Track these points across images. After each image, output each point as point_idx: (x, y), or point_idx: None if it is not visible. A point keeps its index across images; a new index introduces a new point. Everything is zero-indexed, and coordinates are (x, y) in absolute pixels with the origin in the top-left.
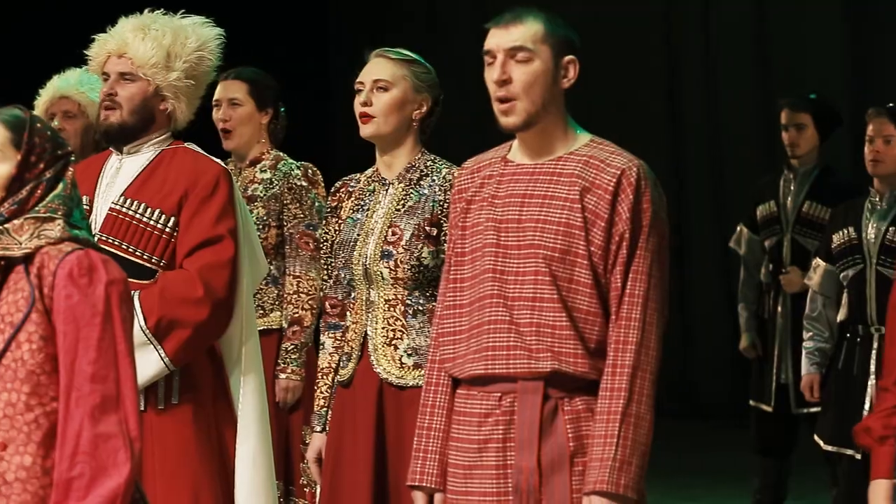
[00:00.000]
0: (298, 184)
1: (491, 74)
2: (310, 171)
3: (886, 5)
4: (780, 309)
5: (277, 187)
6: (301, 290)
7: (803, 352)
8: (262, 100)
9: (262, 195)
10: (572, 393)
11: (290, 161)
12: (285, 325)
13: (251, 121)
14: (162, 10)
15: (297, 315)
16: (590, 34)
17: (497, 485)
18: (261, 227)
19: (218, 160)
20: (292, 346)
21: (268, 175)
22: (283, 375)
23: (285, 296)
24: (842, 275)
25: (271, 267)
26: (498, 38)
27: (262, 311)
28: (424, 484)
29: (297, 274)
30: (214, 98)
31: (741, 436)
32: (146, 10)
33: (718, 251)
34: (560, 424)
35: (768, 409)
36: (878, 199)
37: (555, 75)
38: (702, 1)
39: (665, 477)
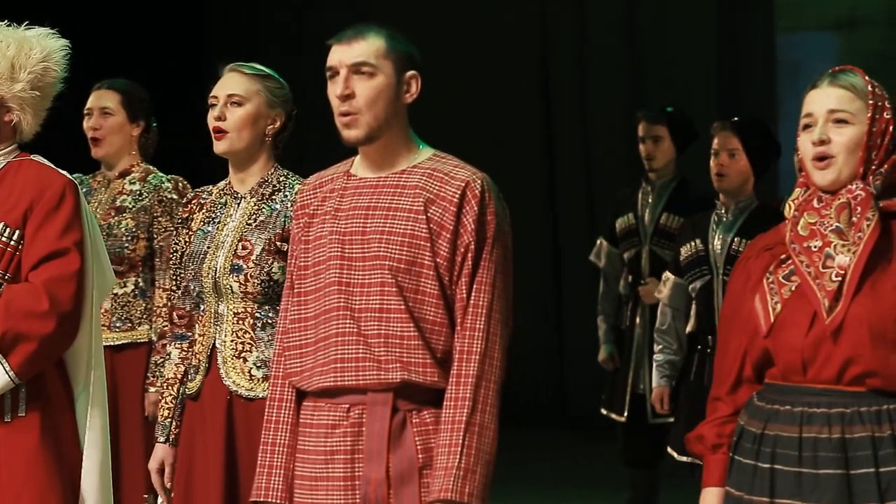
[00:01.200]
0: (168, 196)
1: (334, 90)
2: (180, 184)
3: (756, 20)
4: (638, 320)
5: (147, 199)
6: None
7: (654, 364)
8: (133, 111)
9: (130, 207)
10: (421, 404)
11: (160, 174)
12: (154, 338)
13: (122, 131)
14: (6, 22)
15: (166, 328)
16: (461, 45)
17: (345, 496)
18: (129, 238)
19: (64, 172)
20: (161, 360)
21: (137, 187)
22: (152, 389)
23: (154, 308)
24: (690, 287)
25: (139, 280)
26: (340, 54)
27: (130, 324)
28: (269, 499)
29: (167, 287)
30: (86, 107)
31: (614, 447)
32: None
33: (590, 262)
34: (409, 436)
35: (621, 418)
36: (723, 211)
37: (397, 90)
38: (576, 13)
39: (539, 488)
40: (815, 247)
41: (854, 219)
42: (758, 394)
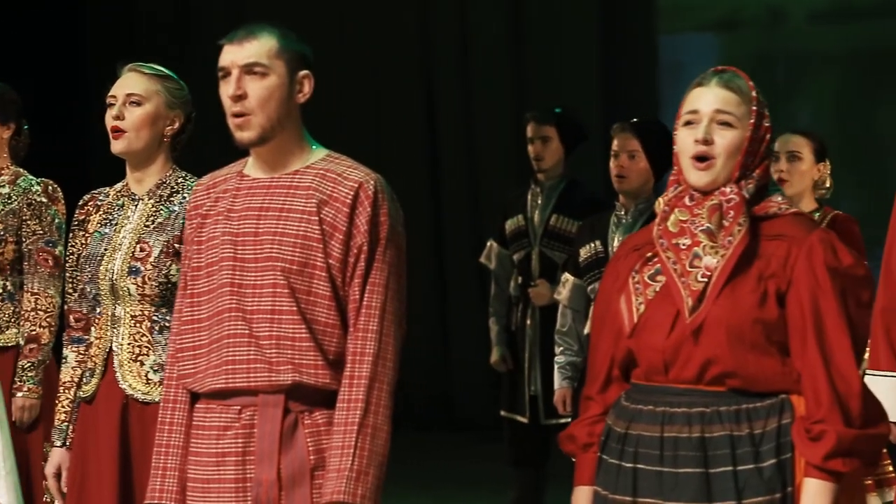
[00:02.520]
0: (38, 200)
1: (226, 90)
2: (50, 187)
3: (638, 22)
4: (528, 321)
5: (16, 203)
6: (39, 307)
7: (555, 366)
8: (3, 114)
9: None
10: (313, 406)
11: (30, 177)
12: (22, 343)
13: None
14: None
15: (34, 332)
16: (342, 48)
17: (236, 498)
18: None
19: None
20: (29, 364)
21: (6, 190)
22: (19, 394)
23: (23, 313)
24: (589, 288)
25: (7, 283)
26: (232, 55)
27: None
28: (163, 502)
29: (36, 291)
30: None
31: (498, 447)
32: None
33: (475, 265)
34: (300, 438)
35: (524, 420)
36: (623, 212)
37: (290, 90)
38: (458, 16)
39: (423, 488)
40: (683, 244)
41: (725, 222)
42: (625, 393)
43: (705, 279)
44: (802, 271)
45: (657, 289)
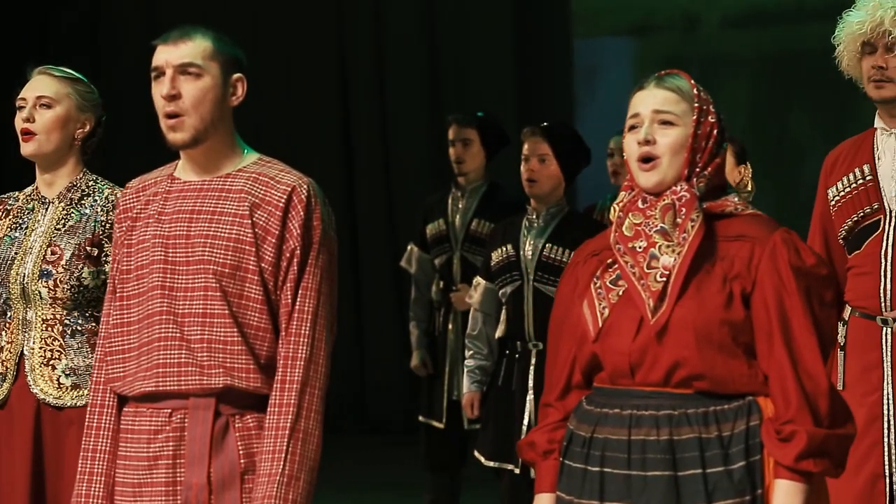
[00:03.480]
0: None
1: (160, 90)
2: None
3: (553, 27)
4: (450, 326)
5: None
6: None
7: (465, 370)
8: None
9: None
10: (244, 410)
11: None
12: None
13: None
14: None
15: None
16: (257, 51)
17: (166, 501)
18: None
19: None
20: None
21: None
22: None
23: None
24: (501, 292)
25: None
26: (167, 55)
27: None
28: None
29: None
30: None
31: (413, 451)
32: None
33: (391, 269)
34: (231, 441)
35: (440, 425)
36: (534, 216)
37: (224, 92)
38: (373, 20)
39: (340, 492)
40: (639, 247)
41: (678, 220)
42: (587, 398)
43: (664, 279)
44: (767, 272)
45: (620, 293)
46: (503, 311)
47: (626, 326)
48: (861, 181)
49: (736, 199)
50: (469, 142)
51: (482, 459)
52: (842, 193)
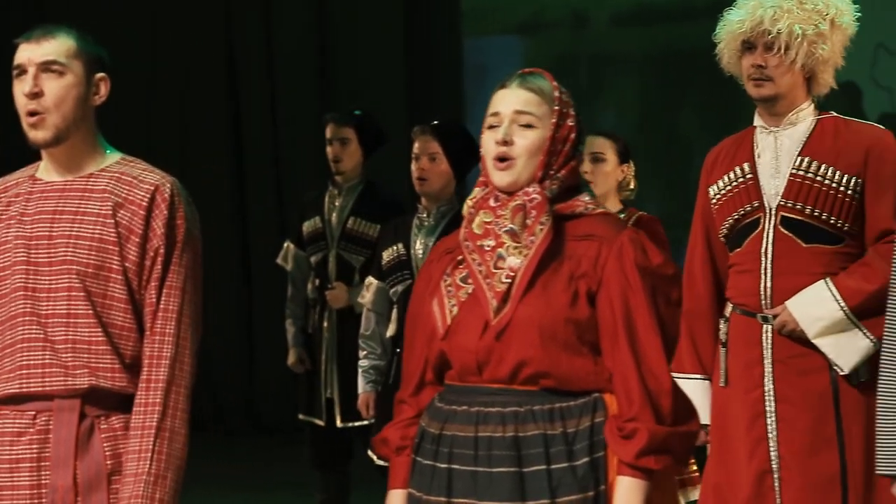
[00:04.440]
0: None
1: (22, 88)
2: None
3: (442, 25)
4: (325, 324)
5: None
6: None
7: (359, 370)
8: None
9: None
10: (110, 410)
11: None
12: None
13: None
14: None
15: None
16: (146, 50)
17: None
18: None
19: None
20: None
21: None
22: None
23: None
24: (392, 291)
25: None
26: (29, 52)
27: None
28: None
29: None
30: None
31: (303, 450)
32: None
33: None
34: (97, 442)
35: (320, 423)
36: (425, 215)
37: (86, 91)
38: (263, 19)
39: (235, 493)
40: (488, 246)
41: (528, 222)
42: (438, 395)
43: (509, 280)
44: (613, 271)
45: (469, 291)
46: (394, 311)
47: (474, 325)
48: (741, 179)
49: (587, 198)
50: (346, 140)
51: (374, 458)
52: (722, 191)
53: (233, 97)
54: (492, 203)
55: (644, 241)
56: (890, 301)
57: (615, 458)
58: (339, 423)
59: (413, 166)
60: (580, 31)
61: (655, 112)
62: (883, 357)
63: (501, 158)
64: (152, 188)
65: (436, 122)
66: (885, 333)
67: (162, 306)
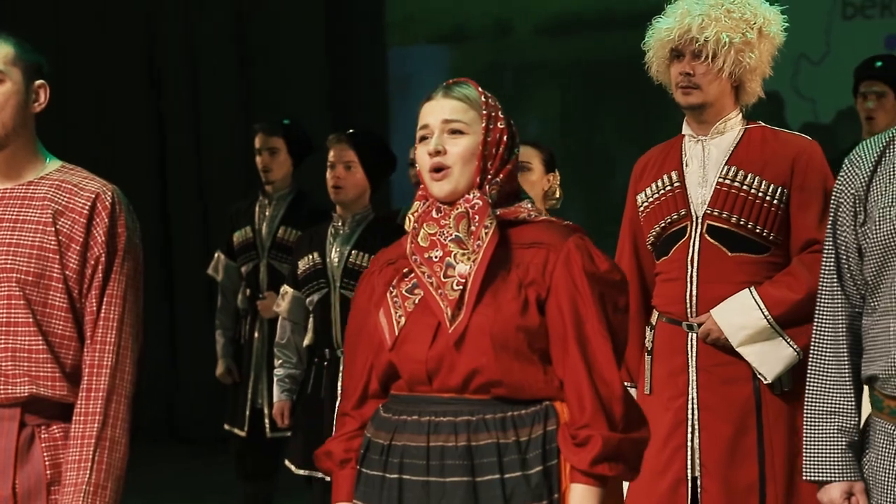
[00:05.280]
0: None
1: None
2: None
3: (367, 35)
4: (256, 334)
5: None
6: None
7: (275, 379)
8: None
9: None
10: (50, 419)
11: None
12: None
13: None
14: None
15: None
16: (69, 62)
17: None
18: None
19: None
20: None
21: None
22: None
23: None
24: (308, 300)
25: None
26: None
27: None
28: None
29: None
30: None
31: (227, 460)
32: None
33: (204, 278)
34: (37, 451)
35: (242, 433)
36: (340, 223)
37: (26, 98)
38: (184, 31)
39: (150, 502)
40: (435, 257)
41: (472, 227)
42: (384, 406)
43: (461, 287)
44: (561, 278)
45: (416, 301)
46: (311, 320)
47: (423, 334)
48: (669, 187)
49: (529, 205)
50: (276, 150)
51: (293, 468)
52: (650, 199)
53: (154, 107)
54: (434, 214)
55: (590, 248)
56: (817, 310)
57: (568, 466)
58: (268, 434)
59: (328, 175)
60: (504, 41)
61: (577, 121)
62: (810, 365)
63: (437, 169)
64: (93, 196)
65: (351, 131)
66: (812, 342)
67: (103, 315)
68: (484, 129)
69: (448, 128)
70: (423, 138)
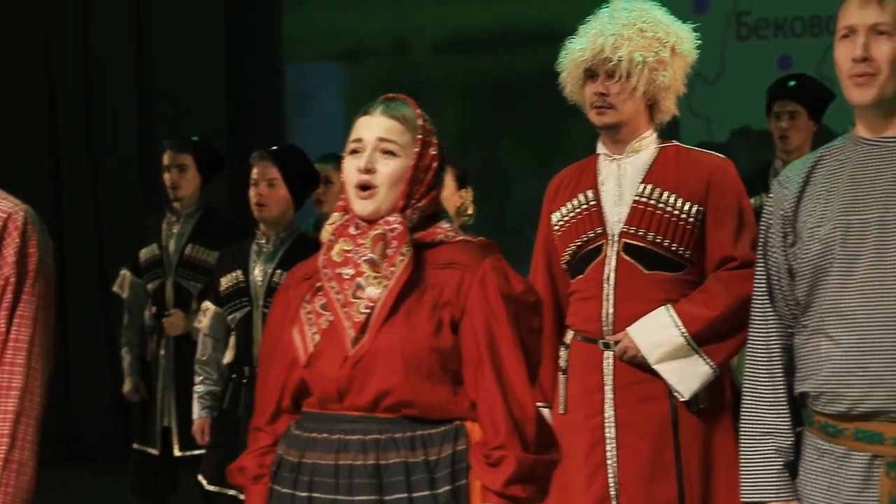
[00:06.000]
0: None
1: None
2: None
3: (264, 51)
4: (163, 352)
5: None
6: None
7: (195, 396)
8: None
9: None
10: None
11: None
12: None
13: None
14: None
15: None
16: None
17: None
18: None
19: None
20: None
21: None
22: None
23: None
24: (230, 317)
25: None
26: None
27: None
28: None
29: None
30: None
31: (123, 478)
32: None
33: (99, 295)
34: None
35: (155, 451)
36: (264, 241)
37: None
38: (81, 46)
39: None
40: (346, 274)
41: (389, 252)
42: (296, 422)
43: (368, 310)
44: (476, 299)
45: (330, 318)
46: (232, 337)
47: (335, 353)
48: (584, 206)
49: (447, 225)
50: (185, 167)
51: (204, 483)
52: (565, 218)
53: (51, 122)
54: (352, 231)
55: (506, 269)
56: (750, 331)
57: (478, 486)
58: (176, 452)
59: (251, 192)
60: (402, 58)
61: (475, 140)
62: (744, 386)
63: (363, 187)
64: (4, 216)
65: (275, 148)
66: (747, 363)
67: (13, 336)
68: (417, 154)
69: (381, 147)
70: (355, 151)
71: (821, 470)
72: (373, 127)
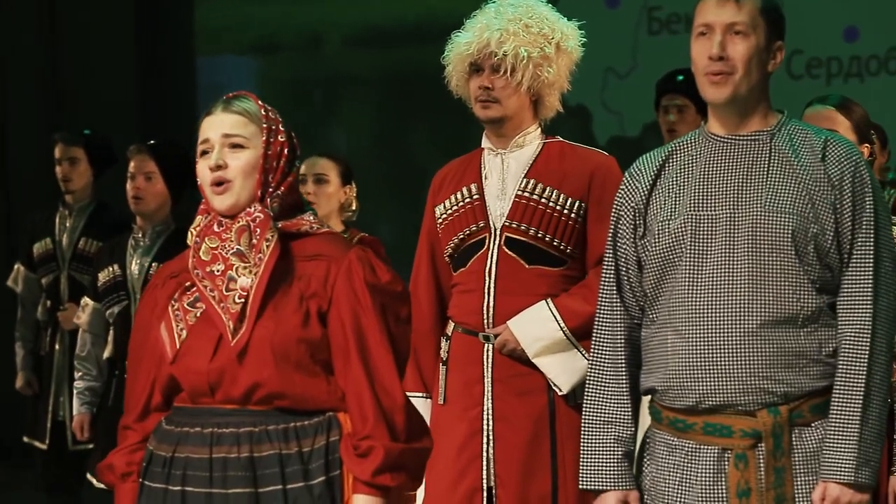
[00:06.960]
0: None
1: None
2: None
3: (175, 44)
4: (57, 346)
5: None
6: None
7: (74, 391)
8: None
9: None
10: None
11: None
12: None
13: None
14: None
15: None
16: None
17: None
18: None
19: None
20: None
21: None
22: None
23: None
24: (108, 312)
25: None
26: None
27: None
28: None
29: None
30: None
31: (33, 474)
32: None
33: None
34: None
35: (43, 446)
36: (141, 235)
37: None
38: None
39: None
40: (217, 271)
41: (254, 240)
42: (166, 418)
43: (242, 300)
44: (342, 289)
45: (198, 314)
46: (111, 332)
47: (204, 347)
48: (468, 200)
49: (311, 217)
50: (76, 160)
51: (94, 481)
52: (449, 211)
53: None
54: (216, 228)
55: (372, 259)
56: (596, 321)
57: (351, 477)
58: (70, 447)
59: (129, 185)
60: (314, 53)
61: (388, 134)
62: (589, 376)
63: (218, 182)
64: None
65: (152, 142)
66: (592, 352)
67: None
68: (265, 143)
69: (228, 142)
70: (205, 153)
71: (672, 465)
72: (217, 125)
